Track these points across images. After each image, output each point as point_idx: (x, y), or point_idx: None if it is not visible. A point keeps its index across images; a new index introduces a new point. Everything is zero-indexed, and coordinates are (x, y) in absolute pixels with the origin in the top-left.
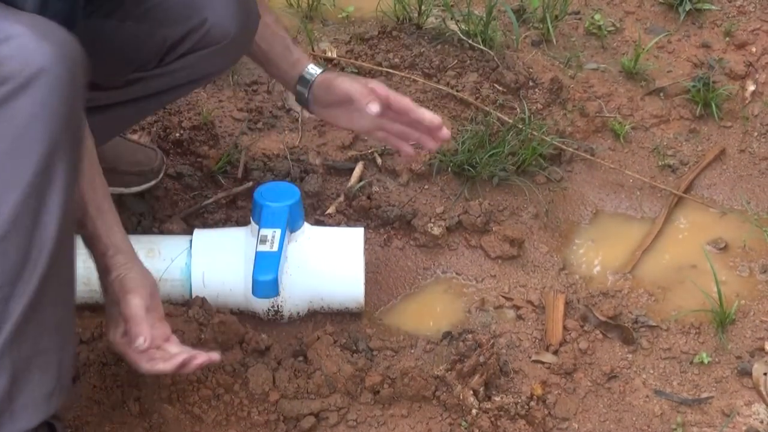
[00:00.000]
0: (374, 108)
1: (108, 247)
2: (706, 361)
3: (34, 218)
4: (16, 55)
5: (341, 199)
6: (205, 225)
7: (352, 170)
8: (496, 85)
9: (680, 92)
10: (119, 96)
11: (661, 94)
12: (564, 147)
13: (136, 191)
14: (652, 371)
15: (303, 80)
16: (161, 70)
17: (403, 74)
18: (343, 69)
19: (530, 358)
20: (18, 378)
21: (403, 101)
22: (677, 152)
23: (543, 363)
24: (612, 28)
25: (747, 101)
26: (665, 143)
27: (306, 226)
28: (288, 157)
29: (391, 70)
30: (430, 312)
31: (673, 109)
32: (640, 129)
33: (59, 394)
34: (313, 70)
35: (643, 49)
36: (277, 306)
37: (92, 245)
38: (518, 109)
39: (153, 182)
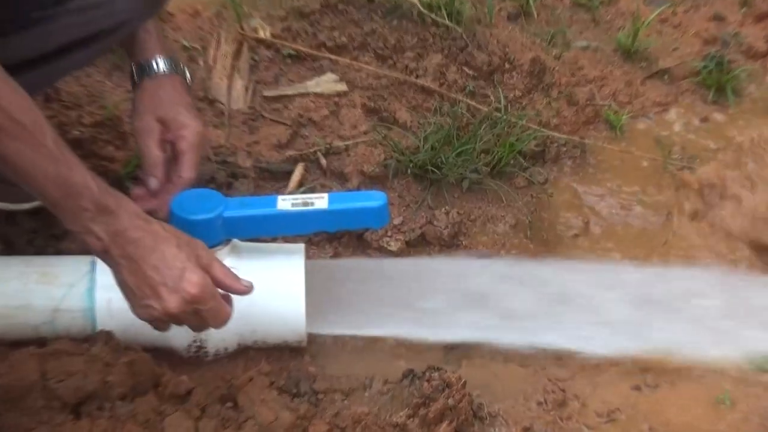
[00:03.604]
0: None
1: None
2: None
3: None
4: None
5: None
6: None
7: (290, 173)
8: (464, 69)
9: (688, 74)
10: (21, 49)
11: (666, 77)
12: (549, 142)
13: (29, 208)
14: (657, 414)
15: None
16: (62, 8)
17: (349, 60)
18: (278, 51)
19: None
20: None
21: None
22: (686, 147)
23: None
24: None
25: None
26: (671, 136)
27: (234, 242)
28: (212, 158)
29: (333, 57)
30: (387, 345)
31: (680, 94)
32: (640, 119)
33: None
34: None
35: (643, 22)
36: (200, 341)
37: None
38: (492, 98)
39: None
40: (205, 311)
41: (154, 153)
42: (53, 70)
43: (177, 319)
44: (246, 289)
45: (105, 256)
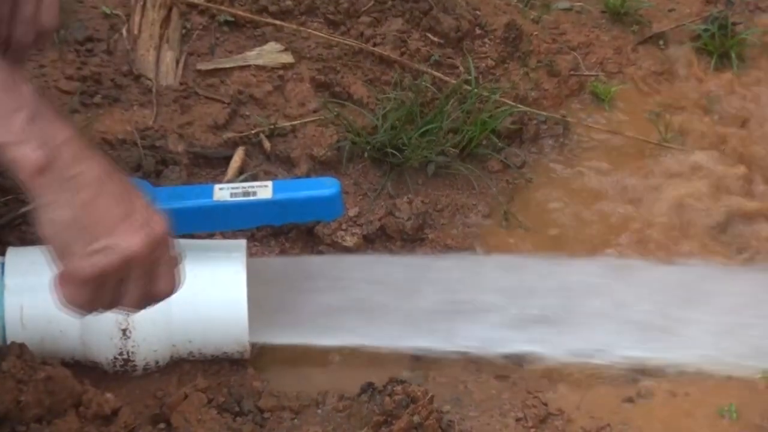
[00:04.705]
0: None
1: None
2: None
3: None
4: None
5: None
6: (24, 242)
7: (228, 159)
8: (429, 35)
9: (687, 39)
10: None
11: (661, 43)
12: (527, 119)
13: None
14: (653, 430)
15: None
16: None
17: (295, 26)
18: (213, 17)
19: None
20: None
21: None
22: (684, 123)
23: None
24: None
25: None
26: (667, 110)
27: None
28: (138, 142)
29: (277, 22)
30: (342, 356)
31: (677, 62)
32: (632, 91)
33: None
34: None
35: None
36: (128, 352)
37: None
38: (461, 68)
39: None
40: (165, 264)
41: None
42: None
43: (136, 268)
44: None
45: (44, 179)
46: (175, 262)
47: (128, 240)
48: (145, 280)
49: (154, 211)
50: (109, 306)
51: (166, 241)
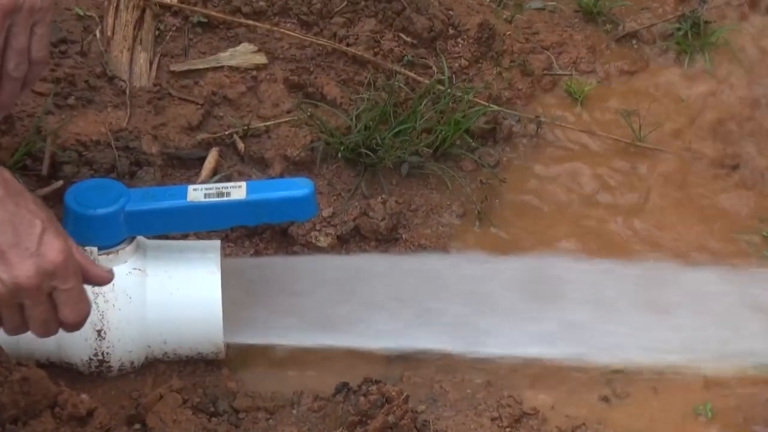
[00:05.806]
0: None
1: None
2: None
3: None
4: None
5: None
6: None
7: (202, 160)
8: (402, 35)
9: (660, 38)
10: None
11: (634, 42)
12: (500, 118)
13: None
14: (628, 429)
15: None
16: None
17: (269, 27)
18: (187, 19)
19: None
20: None
21: None
22: (658, 120)
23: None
24: None
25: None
26: (641, 110)
27: (139, 240)
28: (112, 144)
29: (251, 23)
30: (317, 356)
31: (651, 61)
32: (605, 90)
33: None
34: None
35: None
36: (103, 353)
37: None
38: (434, 69)
39: None
40: (63, 294)
41: None
42: None
43: (27, 297)
44: (108, 277)
45: None
46: (76, 291)
47: (14, 269)
48: (43, 308)
49: (51, 239)
50: (15, 330)
51: (64, 270)
